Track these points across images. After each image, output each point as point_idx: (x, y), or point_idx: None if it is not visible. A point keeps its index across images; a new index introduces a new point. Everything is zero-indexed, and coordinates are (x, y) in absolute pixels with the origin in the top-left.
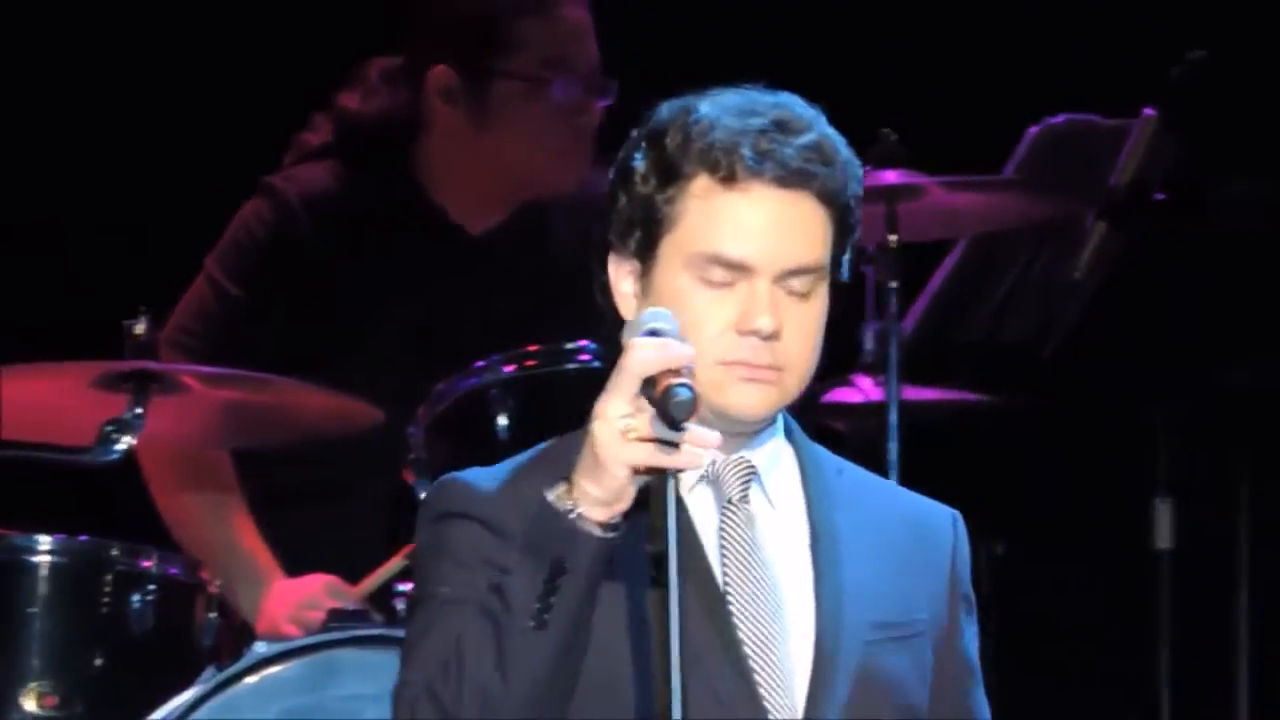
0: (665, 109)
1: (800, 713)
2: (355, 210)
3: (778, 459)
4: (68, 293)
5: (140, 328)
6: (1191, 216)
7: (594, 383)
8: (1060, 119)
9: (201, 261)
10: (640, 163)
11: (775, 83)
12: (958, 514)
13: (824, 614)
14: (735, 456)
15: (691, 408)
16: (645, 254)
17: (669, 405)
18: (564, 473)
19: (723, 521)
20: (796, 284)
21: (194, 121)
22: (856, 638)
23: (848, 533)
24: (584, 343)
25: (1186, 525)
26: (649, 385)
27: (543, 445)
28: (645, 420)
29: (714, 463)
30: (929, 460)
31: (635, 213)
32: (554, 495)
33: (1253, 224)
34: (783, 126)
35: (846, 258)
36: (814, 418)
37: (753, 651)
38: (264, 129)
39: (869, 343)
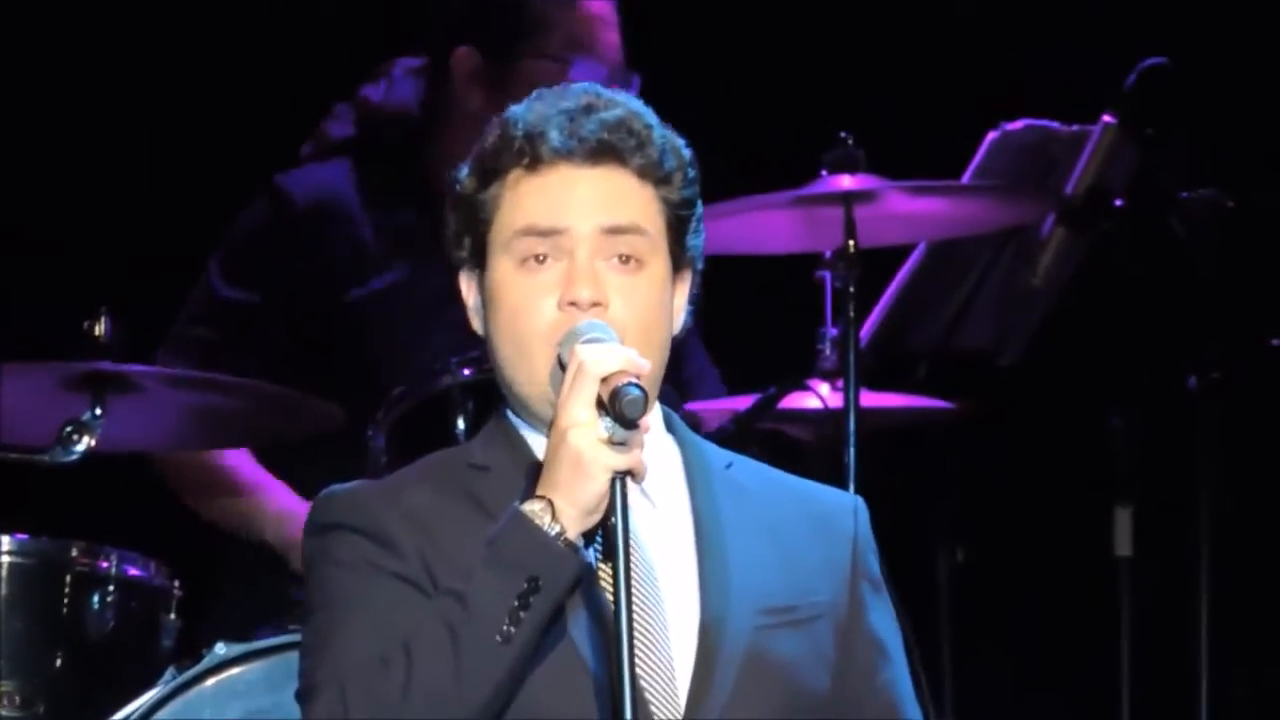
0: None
1: (683, 700)
2: (365, 214)
3: (658, 455)
4: (33, 292)
5: (100, 328)
6: (1150, 224)
7: None
8: (1019, 125)
9: (166, 260)
10: (464, 173)
11: (734, 83)
12: (860, 500)
13: (708, 603)
14: None
15: (644, 405)
16: (477, 259)
17: (621, 405)
18: (448, 486)
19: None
20: (622, 247)
21: (175, 123)
22: (743, 623)
23: (735, 523)
24: None
25: (1146, 532)
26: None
27: (424, 459)
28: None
29: None
30: (888, 467)
31: (462, 221)
32: (531, 510)
33: (1210, 231)
34: (588, 108)
35: (695, 241)
36: (770, 424)
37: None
38: (254, 130)
39: (827, 349)
